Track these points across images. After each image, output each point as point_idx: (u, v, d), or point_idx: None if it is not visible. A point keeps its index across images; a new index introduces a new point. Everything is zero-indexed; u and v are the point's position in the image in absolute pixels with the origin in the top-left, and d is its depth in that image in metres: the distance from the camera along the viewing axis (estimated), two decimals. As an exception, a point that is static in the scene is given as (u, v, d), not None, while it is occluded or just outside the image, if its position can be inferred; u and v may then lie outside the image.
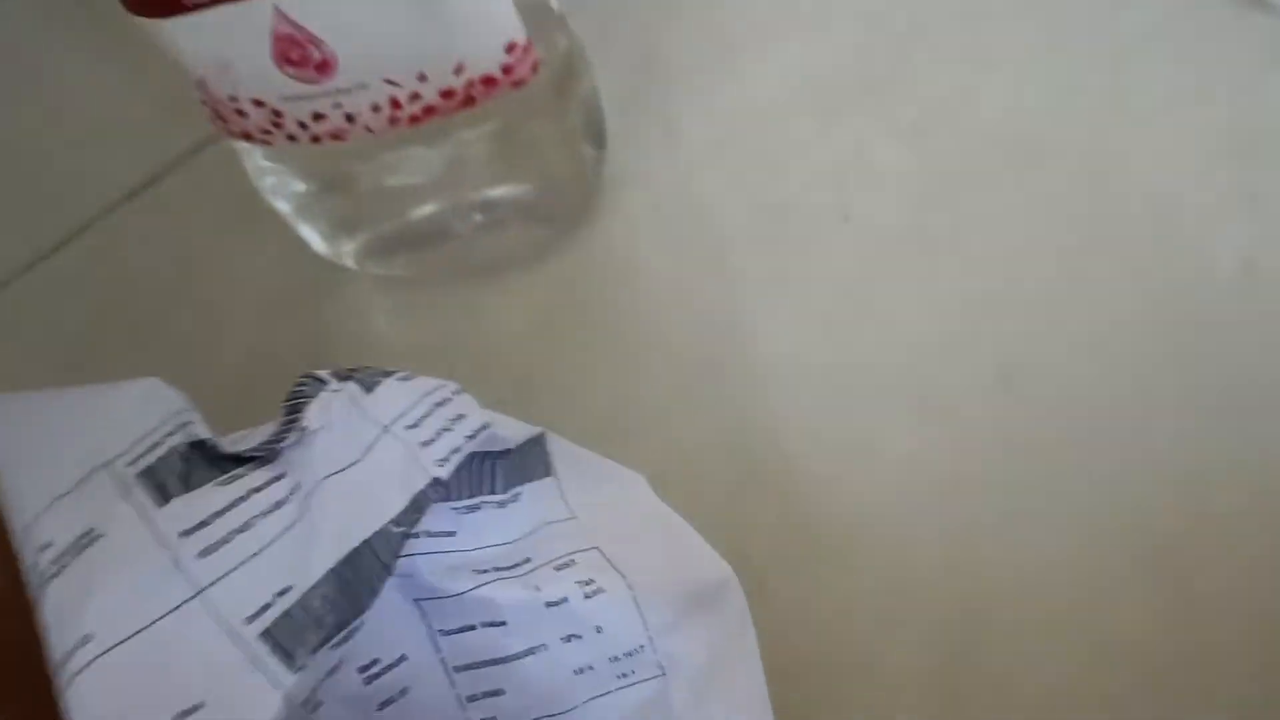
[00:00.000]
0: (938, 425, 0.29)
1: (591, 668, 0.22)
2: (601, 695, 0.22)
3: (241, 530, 0.17)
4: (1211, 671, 0.26)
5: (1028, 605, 0.27)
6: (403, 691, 0.22)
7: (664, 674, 0.22)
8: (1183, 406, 0.28)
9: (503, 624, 0.22)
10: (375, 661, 0.21)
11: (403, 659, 0.21)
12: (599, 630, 0.22)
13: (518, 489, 0.23)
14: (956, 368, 0.29)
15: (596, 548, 0.22)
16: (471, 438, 0.21)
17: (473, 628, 0.22)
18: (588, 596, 0.22)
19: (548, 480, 0.23)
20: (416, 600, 0.21)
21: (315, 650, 0.17)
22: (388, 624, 0.21)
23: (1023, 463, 0.28)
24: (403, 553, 0.20)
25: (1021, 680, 0.27)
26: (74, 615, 0.16)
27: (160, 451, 0.18)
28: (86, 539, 0.17)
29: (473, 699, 0.22)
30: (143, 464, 0.18)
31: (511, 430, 0.23)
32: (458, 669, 0.22)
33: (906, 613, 0.27)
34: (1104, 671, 0.26)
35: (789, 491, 0.29)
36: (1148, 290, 0.29)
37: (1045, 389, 0.29)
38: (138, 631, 0.16)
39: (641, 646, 0.22)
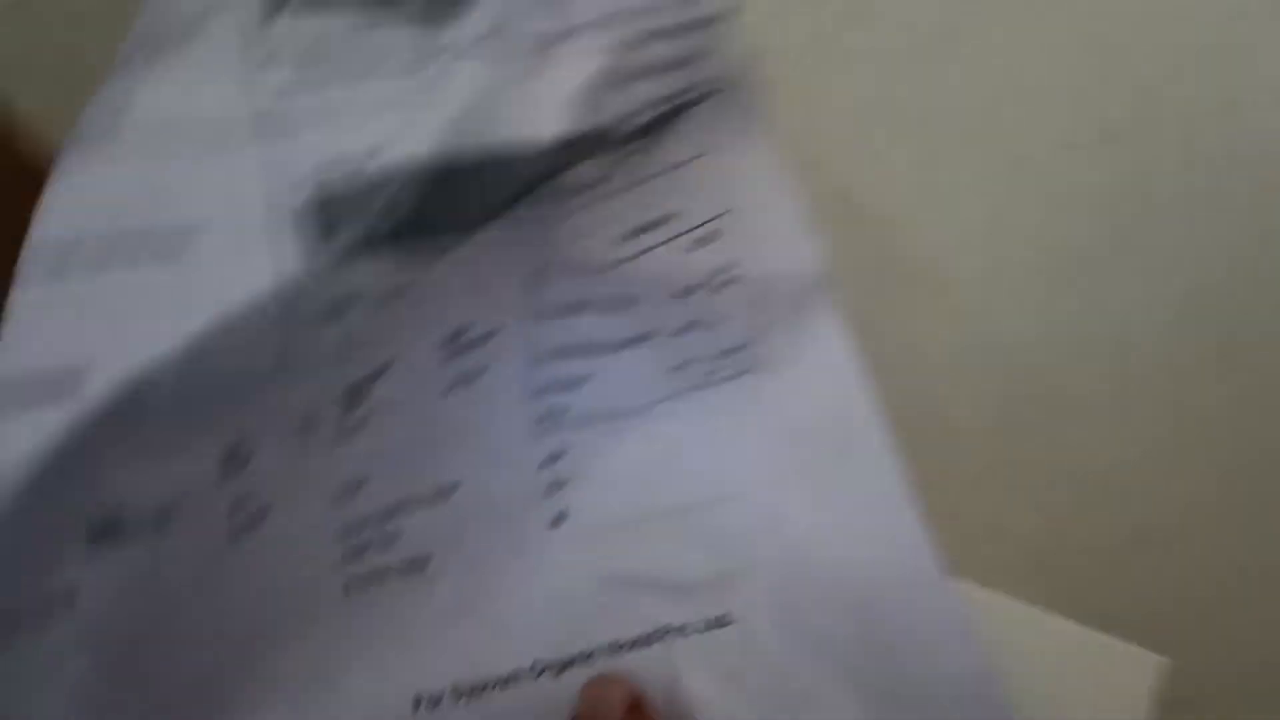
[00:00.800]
0: (1030, 181, 0.27)
1: (688, 364, 0.20)
2: (675, 397, 0.20)
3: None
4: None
5: (1100, 382, 0.26)
6: (480, 371, 0.19)
7: (751, 371, 0.20)
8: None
9: (633, 302, 0.19)
10: (462, 332, 0.19)
11: (490, 335, 0.19)
12: (711, 326, 0.20)
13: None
14: (1055, 119, 0.27)
15: (730, 211, 0.20)
16: (670, 98, 0.18)
17: (583, 307, 0.19)
18: (716, 289, 0.20)
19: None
20: (527, 275, 0.19)
21: (363, 248, 0.14)
22: (487, 292, 0.18)
23: (1115, 228, 0.27)
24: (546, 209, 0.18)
25: (1079, 455, 0.26)
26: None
27: None
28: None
29: (541, 392, 0.20)
30: None
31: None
32: (542, 356, 0.19)
33: (973, 375, 0.26)
34: (1169, 457, 0.25)
35: (865, 231, 0.27)
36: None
37: (1148, 150, 0.27)
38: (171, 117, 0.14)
39: (742, 345, 0.20)
